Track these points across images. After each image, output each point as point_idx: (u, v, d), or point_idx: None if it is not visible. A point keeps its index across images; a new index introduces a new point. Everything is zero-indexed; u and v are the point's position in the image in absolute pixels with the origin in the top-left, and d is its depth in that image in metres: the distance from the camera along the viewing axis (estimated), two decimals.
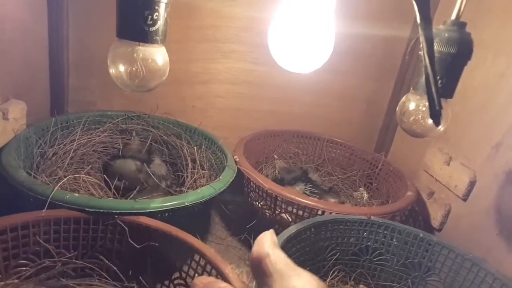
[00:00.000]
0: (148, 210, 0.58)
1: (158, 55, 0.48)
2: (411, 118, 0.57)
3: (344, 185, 1.07)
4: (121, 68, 0.48)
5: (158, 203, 0.59)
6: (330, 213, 0.70)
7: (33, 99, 0.81)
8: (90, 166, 0.83)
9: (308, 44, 0.53)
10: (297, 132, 1.10)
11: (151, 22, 0.44)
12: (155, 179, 0.82)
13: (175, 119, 0.96)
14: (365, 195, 1.03)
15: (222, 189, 0.70)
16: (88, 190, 0.71)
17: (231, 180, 0.73)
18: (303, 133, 1.10)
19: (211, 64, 1.01)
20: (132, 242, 0.56)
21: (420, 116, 0.56)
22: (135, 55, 0.47)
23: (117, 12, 0.45)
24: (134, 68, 0.47)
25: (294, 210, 0.74)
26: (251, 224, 0.82)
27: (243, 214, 0.95)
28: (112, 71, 0.48)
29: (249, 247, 0.89)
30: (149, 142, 0.91)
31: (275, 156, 1.04)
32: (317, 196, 0.90)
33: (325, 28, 0.54)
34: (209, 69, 1.01)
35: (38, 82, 0.87)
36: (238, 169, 0.80)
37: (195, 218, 0.73)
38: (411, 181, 0.91)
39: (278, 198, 0.74)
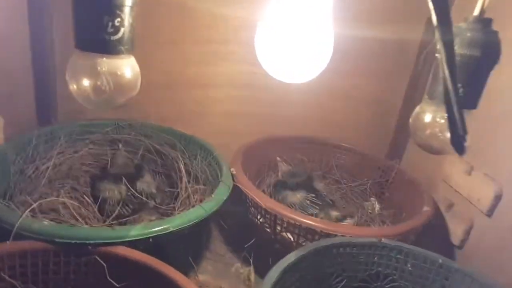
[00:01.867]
0: (127, 239, 0.51)
1: (125, 67, 0.41)
2: (427, 132, 0.49)
3: (353, 194, 0.99)
4: (84, 83, 0.41)
5: (138, 230, 0.53)
6: (336, 235, 0.62)
7: (14, 111, 0.75)
8: (77, 182, 0.78)
9: (302, 51, 0.46)
10: (302, 137, 1.02)
11: (112, 30, 0.37)
12: (142, 198, 0.76)
13: (169, 127, 0.89)
14: (377, 206, 0.95)
15: (214, 210, 0.63)
16: (70, 213, 0.65)
17: (225, 198, 0.66)
18: (309, 138, 1.02)
19: (209, 67, 0.93)
20: (109, 279, 0.49)
21: (437, 130, 0.48)
22: (98, 69, 0.40)
23: (73, 18, 0.38)
24: (99, 83, 0.40)
25: (296, 230, 0.67)
26: (249, 244, 0.75)
27: (245, 226, 0.88)
28: (73, 87, 0.41)
29: (250, 265, 0.82)
30: (139, 154, 0.85)
31: (278, 158, 0.96)
32: (318, 208, 0.82)
33: (322, 31, 0.46)
34: (206, 72, 0.94)
35: (21, 92, 0.81)
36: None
37: (188, 240, 0.67)
38: (428, 192, 0.82)
39: (278, 216, 0.67)
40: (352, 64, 0.97)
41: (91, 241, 0.50)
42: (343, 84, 1.00)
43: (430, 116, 0.47)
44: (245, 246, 0.75)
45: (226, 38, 0.90)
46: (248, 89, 0.97)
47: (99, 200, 0.76)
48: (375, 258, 0.62)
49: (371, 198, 0.97)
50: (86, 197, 0.76)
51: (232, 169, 0.76)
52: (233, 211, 0.88)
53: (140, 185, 0.81)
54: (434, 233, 0.85)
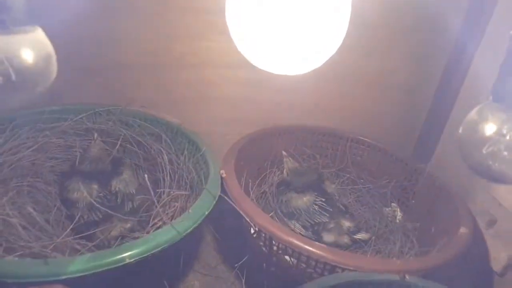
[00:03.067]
0: (62, 277, 0.39)
1: (23, 46, 0.27)
2: (487, 149, 0.33)
3: (371, 198, 0.84)
4: None
5: (81, 265, 0.40)
6: (344, 268, 0.48)
7: None
8: (41, 180, 0.66)
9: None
10: (313, 128, 0.86)
11: None
12: (117, 200, 0.64)
13: (154, 115, 0.76)
14: (398, 214, 0.80)
15: (190, 230, 0.49)
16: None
17: (207, 213, 0.52)
18: (321, 129, 0.87)
19: (202, 42, 0.78)
20: None
21: (502, 147, 0.32)
22: None
23: None
24: None
25: (295, 255, 0.53)
26: (241, 262, 0.62)
27: (241, 231, 0.75)
28: None
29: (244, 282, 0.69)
30: (117, 147, 0.72)
31: (284, 153, 0.82)
32: (327, 215, 0.68)
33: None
34: (199, 48, 0.78)
35: None
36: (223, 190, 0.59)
37: (161, 261, 0.54)
38: (464, 204, 0.66)
39: (273, 238, 0.53)
40: (377, 42, 0.80)
41: (13, 280, 0.37)
42: (364, 67, 0.83)
43: (495, 128, 0.32)
44: (236, 265, 0.63)
45: (222, 7, 0.74)
46: (250, 70, 0.80)
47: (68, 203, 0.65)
48: None
49: (393, 204, 0.82)
50: (50, 200, 0.65)
51: (222, 171, 0.62)
52: (228, 209, 0.76)
53: (116, 184, 0.69)
54: (469, 255, 0.70)
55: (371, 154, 0.85)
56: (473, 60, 0.77)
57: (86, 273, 0.40)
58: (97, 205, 0.58)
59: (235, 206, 0.54)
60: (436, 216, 0.71)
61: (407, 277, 0.48)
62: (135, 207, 0.67)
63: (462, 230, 0.58)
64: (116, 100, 0.76)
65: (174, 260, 0.58)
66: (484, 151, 0.33)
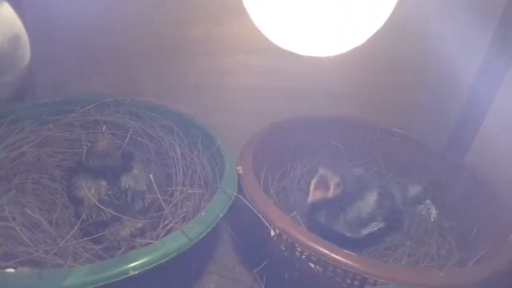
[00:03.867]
0: None
1: None
2: None
3: None
4: None
5: (79, 278, 0.35)
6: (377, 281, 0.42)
7: None
8: (47, 176, 0.62)
9: None
10: (338, 118, 0.79)
11: None
12: (127, 198, 0.59)
13: (166, 106, 0.70)
14: (433, 211, 0.73)
15: (202, 236, 0.44)
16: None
17: (222, 215, 0.47)
18: (346, 120, 0.80)
19: (216, 27, 0.72)
20: None
21: None
22: None
23: None
24: None
25: (321, 263, 0.47)
26: (260, 267, 0.56)
27: (261, 231, 0.69)
28: None
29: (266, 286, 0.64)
30: (126, 140, 0.67)
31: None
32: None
33: None
34: (212, 33, 0.72)
35: None
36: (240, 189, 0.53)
37: (170, 270, 0.49)
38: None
39: (296, 243, 0.47)
40: (413, 24, 0.71)
41: None
42: (396, 50, 0.75)
43: None
44: (254, 270, 0.57)
45: None
46: (269, 56, 0.74)
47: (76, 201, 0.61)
48: None
49: (427, 201, 0.74)
50: (57, 198, 0.61)
51: (238, 168, 0.56)
52: (247, 205, 0.70)
53: (125, 180, 0.64)
54: None
55: (401, 146, 0.78)
56: None
57: (85, 287, 0.35)
58: (101, 207, 0.53)
59: (253, 208, 0.48)
60: (477, 216, 0.63)
61: None
62: (146, 205, 0.63)
63: None
64: (125, 90, 0.71)
65: (187, 265, 0.53)
66: None
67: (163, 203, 0.52)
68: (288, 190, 0.74)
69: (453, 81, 0.79)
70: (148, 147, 0.68)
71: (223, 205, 0.48)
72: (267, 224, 0.46)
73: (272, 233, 0.45)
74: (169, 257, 0.40)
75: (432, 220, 0.71)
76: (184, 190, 0.59)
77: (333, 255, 0.43)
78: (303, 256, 0.49)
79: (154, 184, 0.50)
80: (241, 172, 0.55)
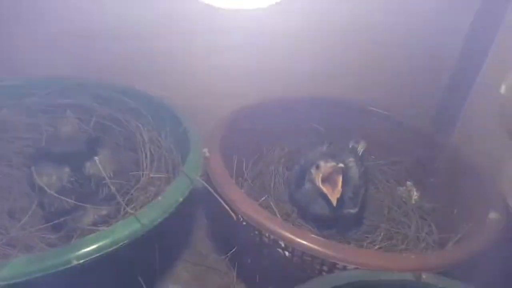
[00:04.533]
0: None
1: None
2: None
3: (383, 175, 0.74)
4: None
5: (15, 269, 0.32)
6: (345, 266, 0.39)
7: None
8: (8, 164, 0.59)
9: None
10: (317, 99, 0.76)
11: None
12: (91, 185, 0.56)
13: (133, 87, 0.67)
14: (414, 193, 0.70)
15: (159, 221, 0.41)
16: None
17: (181, 200, 0.44)
18: (326, 100, 0.76)
19: (186, 3, 0.67)
20: None
21: None
22: None
23: None
24: None
25: (289, 249, 0.45)
26: (229, 254, 0.54)
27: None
28: None
29: (238, 272, 0.62)
30: (91, 124, 0.63)
31: None
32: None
33: None
34: (182, 10, 0.68)
35: None
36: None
37: (131, 255, 0.46)
38: (494, 184, 0.56)
39: (261, 229, 0.44)
40: None
41: None
42: (378, 27, 0.72)
43: None
44: (223, 257, 0.55)
45: None
46: (245, 35, 0.71)
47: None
48: None
49: (408, 183, 0.72)
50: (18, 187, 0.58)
51: (204, 150, 0.53)
52: None
53: (90, 166, 0.61)
54: (502, 246, 0.60)
55: (383, 126, 0.75)
56: (506, 14, 0.65)
57: (22, 279, 0.32)
58: (57, 196, 0.49)
59: (212, 191, 0.45)
60: (459, 197, 0.61)
61: (424, 276, 0.38)
62: (112, 192, 0.60)
63: (493, 215, 0.48)
64: (90, 72, 0.68)
65: (148, 253, 0.50)
66: None
67: (114, 191, 0.48)
68: (265, 174, 0.71)
69: (437, 59, 0.75)
70: (115, 131, 0.65)
71: (183, 189, 0.45)
72: (227, 208, 0.43)
73: (234, 217, 0.42)
74: (119, 245, 0.37)
75: (413, 202, 0.69)
76: (149, 175, 0.56)
77: (298, 239, 0.41)
78: (270, 242, 0.47)
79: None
80: (207, 154, 0.52)
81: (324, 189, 0.52)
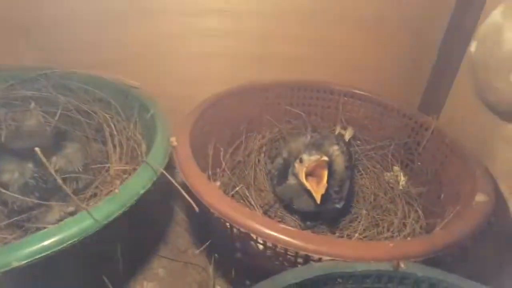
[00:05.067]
0: None
1: None
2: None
3: (369, 161, 0.71)
4: None
5: None
6: (320, 258, 0.36)
7: None
8: None
9: None
10: (299, 83, 0.73)
11: None
12: (57, 180, 0.53)
13: (100, 77, 0.63)
14: (402, 178, 0.67)
15: (116, 215, 0.38)
16: None
17: (142, 192, 0.41)
18: (307, 84, 0.73)
19: None
20: None
21: None
22: None
23: None
24: None
25: (261, 241, 0.42)
26: (202, 248, 0.51)
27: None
28: None
29: (217, 267, 0.59)
30: (56, 117, 0.60)
31: None
32: None
33: None
34: None
35: None
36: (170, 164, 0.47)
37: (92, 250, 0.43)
38: (482, 165, 0.53)
39: (229, 221, 0.41)
40: None
41: None
42: (360, 6, 0.68)
43: None
44: (197, 251, 0.52)
45: None
46: (220, 18, 0.67)
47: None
48: None
49: (395, 168, 0.69)
50: None
51: (172, 139, 0.50)
52: None
53: (56, 161, 0.58)
54: (489, 230, 0.57)
55: (368, 109, 0.71)
56: None
57: None
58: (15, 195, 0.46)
59: (174, 182, 0.42)
60: (446, 180, 0.58)
61: (402, 265, 0.35)
62: (81, 187, 0.57)
63: (479, 197, 0.45)
64: (56, 62, 0.64)
65: (109, 252, 0.47)
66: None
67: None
68: (245, 163, 0.68)
69: (422, 40, 0.72)
70: (82, 123, 0.61)
71: (145, 181, 0.41)
72: (189, 199, 0.40)
73: (196, 209, 0.39)
74: (68, 243, 0.34)
75: (401, 187, 0.66)
76: (115, 167, 0.52)
77: (267, 230, 0.37)
78: (242, 234, 0.43)
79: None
80: (175, 143, 0.49)
81: (308, 185, 0.49)
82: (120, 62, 0.68)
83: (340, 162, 0.56)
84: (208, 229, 0.54)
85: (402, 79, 0.75)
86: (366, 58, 0.74)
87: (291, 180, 0.53)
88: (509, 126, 0.53)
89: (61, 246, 0.33)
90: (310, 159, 0.48)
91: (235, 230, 0.43)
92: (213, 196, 0.41)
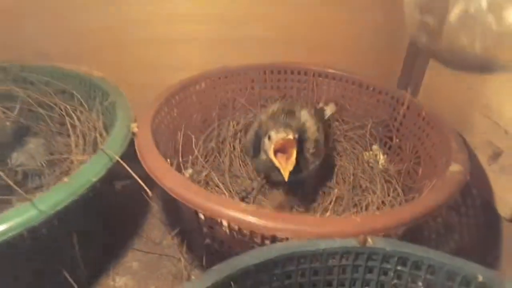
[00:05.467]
0: None
1: None
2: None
3: (348, 142, 0.69)
4: None
5: None
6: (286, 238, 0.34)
7: None
8: None
9: None
10: (270, 65, 0.70)
11: None
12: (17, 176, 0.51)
13: (61, 68, 0.60)
14: (381, 158, 0.65)
15: (64, 205, 0.35)
16: None
17: (94, 180, 0.38)
18: (281, 65, 0.70)
19: None
20: None
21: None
22: None
23: None
24: None
25: (224, 223, 0.39)
26: (173, 234, 0.49)
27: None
28: None
29: (192, 257, 0.57)
30: (15, 112, 0.57)
31: None
32: None
33: None
34: None
35: None
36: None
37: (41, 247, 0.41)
38: (457, 135, 0.51)
39: (190, 204, 0.39)
40: None
41: None
42: None
43: None
44: (170, 237, 0.50)
45: None
46: (188, 1, 0.65)
47: None
48: (356, 274, 0.34)
49: (374, 147, 0.67)
50: None
51: (133, 125, 0.47)
52: None
53: (18, 157, 0.56)
54: (467, 198, 0.55)
55: (343, 88, 0.69)
56: None
57: None
58: None
59: (128, 169, 0.39)
60: (424, 155, 0.56)
61: (370, 240, 0.33)
62: (43, 183, 0.54)
63: (453, 167, 0.43)
64: (15, 55, 0.61)
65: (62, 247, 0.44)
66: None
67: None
68: (219, 150, 0.65)
69: (396, 12, 0.69)
70: (44, 117, 0.59)
71: (98, 169, 0.39)
72: (141, 183, 0.38)
73: (149, 194, 0.37)
74: (10, 235, 0.32)
75: (381, 166, 0.64)
76: (77, 158, 0.50)
77: (225, 210, 0.35)
78: (207, 219, 0.41)
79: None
80: (135, 129, 0.47)
81: (277, 162, 0.47)
82: (83, 52, 0.66)
83: (311, 125, 0.54)
84: (179, 217, 0.52)
85: (379, 56, 0.73)
86: (340, 37, 0.71)
87: (263, 155, 0.51)
88: (486, 95, 0.51)
89: (3, 238, 0.31)
90: (277, 136, 0.46)
91: (200, 214, 0.41)
92: (173, 180, 0.39)
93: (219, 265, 0.32)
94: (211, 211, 0.36)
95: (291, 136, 0.45)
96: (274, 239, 0.37)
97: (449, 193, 0.39)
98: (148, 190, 0.37)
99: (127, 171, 0.40)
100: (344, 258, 0.34)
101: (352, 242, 0.33)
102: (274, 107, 0.56)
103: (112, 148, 0.42)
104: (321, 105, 0.69)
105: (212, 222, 0.41)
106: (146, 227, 0.64)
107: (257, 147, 0.53)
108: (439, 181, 0.42)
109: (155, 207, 0.66)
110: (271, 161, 0.47)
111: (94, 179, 0.38)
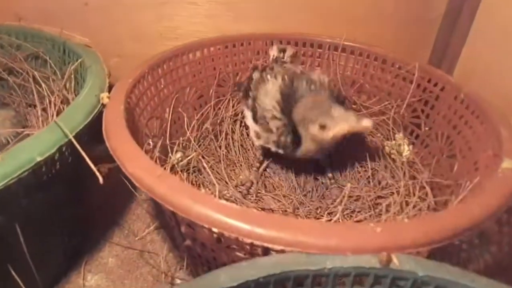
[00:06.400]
0: None
1: None
2: None
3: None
4: None
5: None
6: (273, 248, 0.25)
7: None
8: None
9: None
10: (280, 35, 0.60)
11: None
12: None
13: (34, 28, 0.52)
14: (406, 148, 0.55)
15: None
16: None
17: (39, 159, 0.30)
18: (292, 36, 0.60)
19: None
20: None
21: None
22: None
23: None
24: None
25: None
26: (145, 233, 0.40)
27: None
28: None
29: (178, 257, 0.49)
30: None
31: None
32: None
33: None
34: None
35: None
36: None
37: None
38: (508, 124, 0.40)
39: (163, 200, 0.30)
40: None
41: None
42: None
43: None
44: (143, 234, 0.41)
45: None
46: None
47: None
48: None
49: (397, 135, 0.56)
50: None
51: (103, 95, 0.38)
52: None
53: None
54: None
55: (363, 65, 0.59)
56: None
57: None
58: None
59: (80, 150, 0.31)
60: (461, 146, 0.45)
61: (395, 260, 0.24)
62: None
63: (506, 164, 0.33)
64: None
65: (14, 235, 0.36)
66: None
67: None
68: (215, 133, 0.57)
69: None
70: (11, 85, 0.51)
71: (46, 145, 0.30)
72: (94, 168, 0.29)
73: (101, 180, 0.28)
74: None
75: (404, 159, 0.53)
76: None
77: (198, 206, 0.26)
78: (183, 218, 0.32)
79: None
80: (105, 100, 0.38)
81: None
82: (66, 13, 0.57)
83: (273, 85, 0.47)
84: (160, 209, 0.43)
85: (407, 27, 0.62)
86: (361, 3, 0.61)
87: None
88: None
89: None
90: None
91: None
92: (137, 164, 0.30)
93: (189, 283, 0.23)
94: (178, 206, 0.27)
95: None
96: (267, 248, 0.28)
97: (505, 197, 0.29)
98: (100, 176, 0.28)
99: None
100: (357, 282, 0.25)
101: (371, 261, 0.24)
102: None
103: (69, 121, 0.33)
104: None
105: (191, 221, 0.32)
106: (129, 217, 0.56)
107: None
108: (487, 181, 0.32)
109: (143, 195, 0.58)
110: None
111: (39, 158, 0.29)
